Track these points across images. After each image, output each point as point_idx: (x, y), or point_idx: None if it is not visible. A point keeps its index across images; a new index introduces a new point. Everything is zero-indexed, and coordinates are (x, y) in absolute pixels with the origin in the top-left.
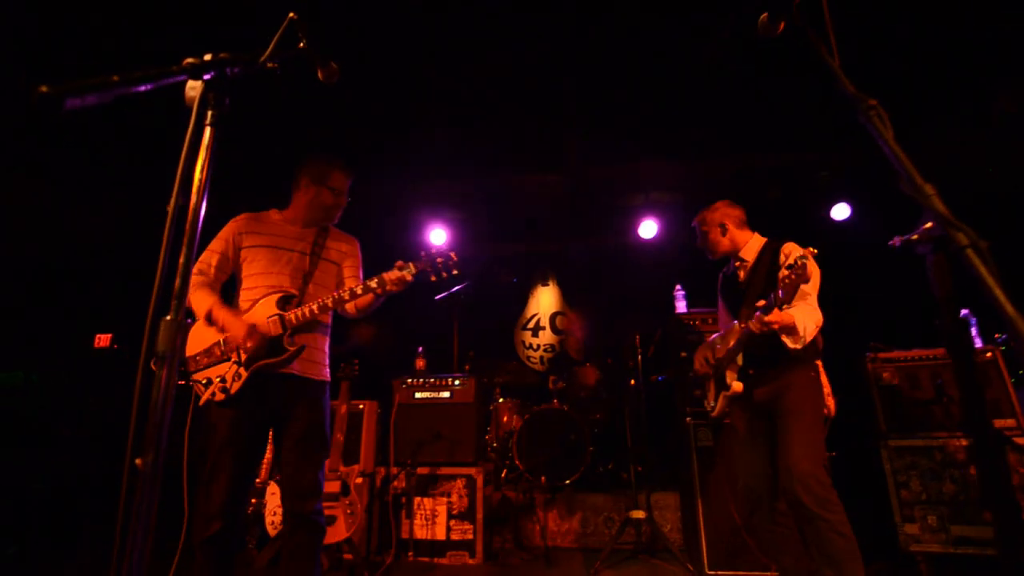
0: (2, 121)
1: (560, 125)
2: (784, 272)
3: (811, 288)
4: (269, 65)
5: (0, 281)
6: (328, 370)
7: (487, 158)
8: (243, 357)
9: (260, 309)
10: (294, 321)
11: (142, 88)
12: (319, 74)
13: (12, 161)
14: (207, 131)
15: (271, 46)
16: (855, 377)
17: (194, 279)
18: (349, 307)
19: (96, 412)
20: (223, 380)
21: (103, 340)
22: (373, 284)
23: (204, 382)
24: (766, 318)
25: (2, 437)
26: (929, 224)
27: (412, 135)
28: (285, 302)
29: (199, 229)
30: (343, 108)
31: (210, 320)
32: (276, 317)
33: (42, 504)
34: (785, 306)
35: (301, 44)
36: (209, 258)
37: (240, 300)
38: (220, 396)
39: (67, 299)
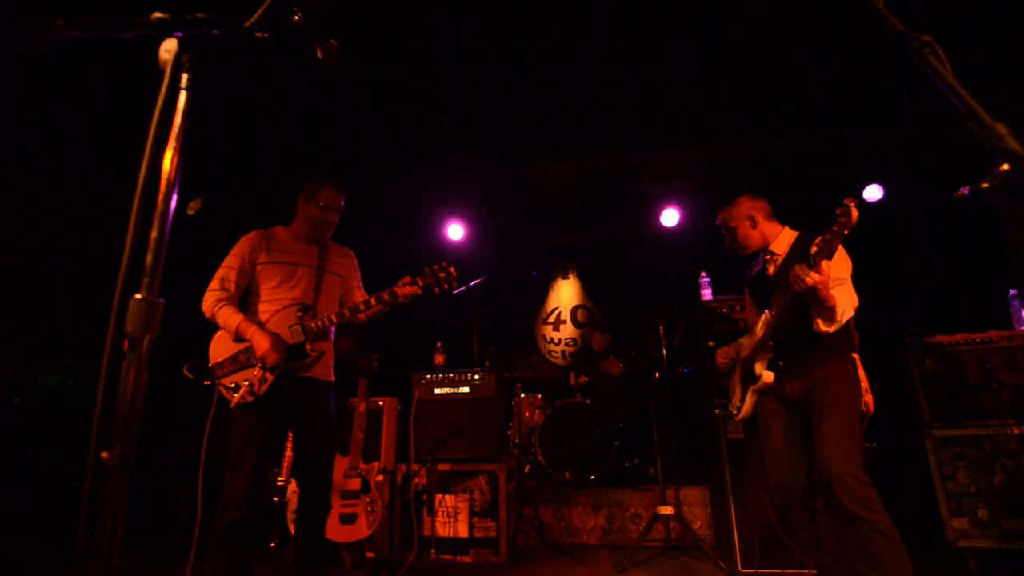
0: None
1: (578, 112)
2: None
3: (846, 273)
4: (257, 35)
5: (36, 283)
6: (333, 372)
7: (504, 148)
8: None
9: (281, 318)
10: (314, 329)
11: (88, 36)
12: (318, 52)
13: (30, 161)
14: (182, 96)
15: (258, 12)
16: (895, 364)
17: (217, 295)
18: (361, 317)
19: None
20: (251, 384)
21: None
22: (387, 297)
23: (232, 386)
24: (812, 271)
25: (43, 435)
26: (1005, 167)
27: (427, 127)
28: (304, 312)
29: (173, 200)
30: (357, 101)
31: (238, 336)
32: (298, 326)
33: (77, 499)
34: (824, 264)
35: (296, 17)
36: (227, 274)
37: (260, 311)
38: (249, 398)
39: (98, 299)
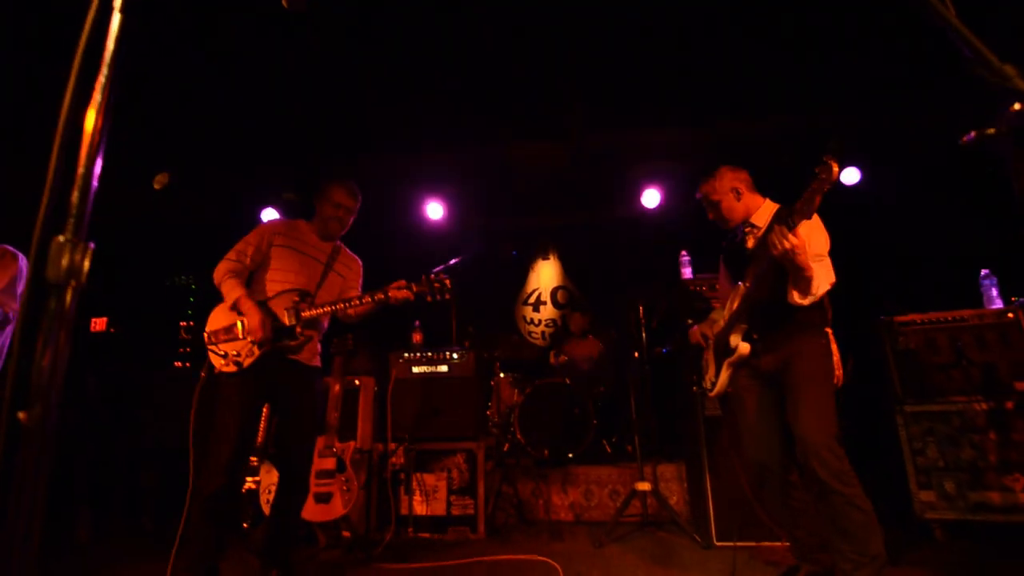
0: None
1: (559, 90)
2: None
3: (824, 248)
4: None
5: None
6: (319, 359)
7: (484, 127)
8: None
9: (281, 300)
10: (307, 316)
11: None
12: (283, 0)
13: None
14: (115, 17)
15: None
16: (869, 342)
17: (230, 264)
18: (351, 312)
19: (96, 394)
20: (238, 354)
21: (99, 324)
22: (380, 296)
23: (221, 354)
24: (790, 233)
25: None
26: (1016, 106)
27: (405, 106)
28: (302, 298)
29: (103, 135)
30: (334, 76)
31: (235, 307)
32: (293, 309)
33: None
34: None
35: None
36: (245, 248)
37: (264, 288)
38: (233, 368)
39: None
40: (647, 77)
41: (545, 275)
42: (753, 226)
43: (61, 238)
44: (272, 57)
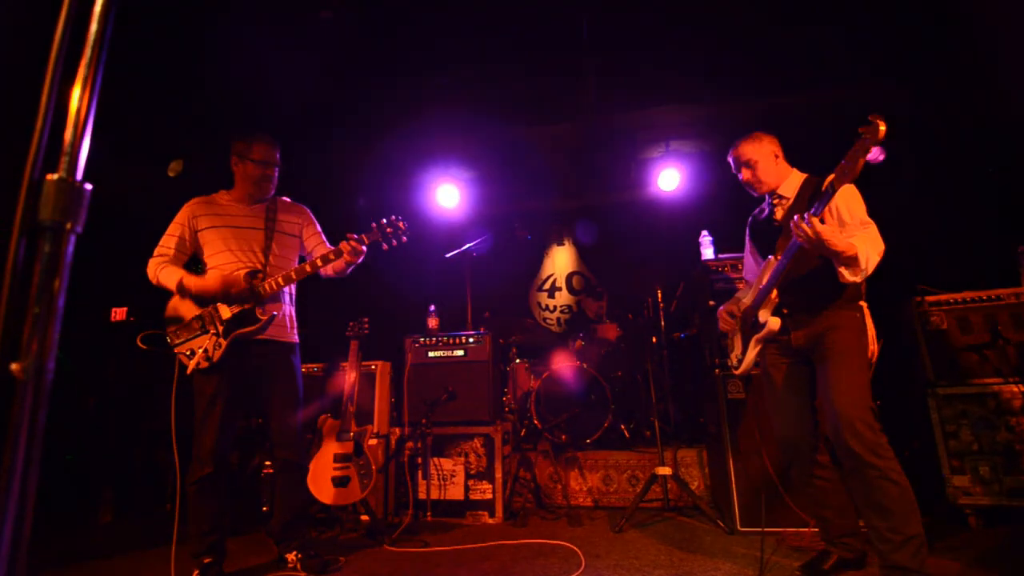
0: None
1: (575, 69)
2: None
3: (865, 214)
4: None
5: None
6: (296, 333)
7: (498, 109)
8: (221, 328)
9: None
10: (262, 293)
11: None
12: None
13: None
14: None
15: None
16: (899, 322)
17: (157, 260)
18: (327, 271)
19: (117, 381)
20: (206, 351)
21: (119, 313)
22: (332, 257)
23: (188, 353)
24: (815, 220)
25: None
26: None
27: (418, 87)
28: (252, 277)
29: (99, 68)
30: (343, 59)
31: (182, 290)
32: (247, 290)
33: (70, 471)
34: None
35: None
36: (168, 242)
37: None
38: (204, 364)
39: (83, 274)
40: (664, 55)
41: (560, 261)
42: (781, 197)
43: (55, 176)
44: (278, 39)
